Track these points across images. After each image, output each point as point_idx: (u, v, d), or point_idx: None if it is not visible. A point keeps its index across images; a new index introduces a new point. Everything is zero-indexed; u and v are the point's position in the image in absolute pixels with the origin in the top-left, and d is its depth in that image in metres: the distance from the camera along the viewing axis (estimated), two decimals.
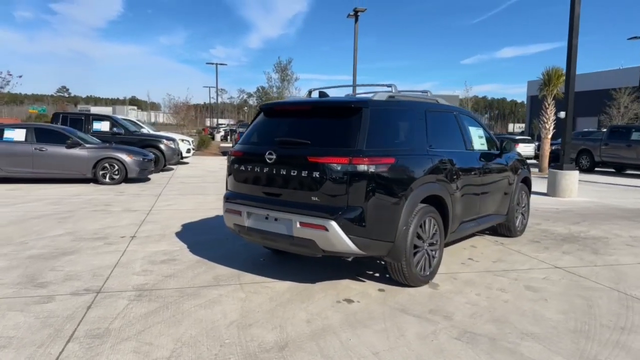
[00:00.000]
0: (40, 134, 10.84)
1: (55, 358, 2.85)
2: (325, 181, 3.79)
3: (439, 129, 4.83)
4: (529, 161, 8.65)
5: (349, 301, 3.93)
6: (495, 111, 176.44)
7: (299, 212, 3.89)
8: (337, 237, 3.72)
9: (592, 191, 12.00)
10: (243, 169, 4.34)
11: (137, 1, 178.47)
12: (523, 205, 6.51)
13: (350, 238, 3.74)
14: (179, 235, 6.09)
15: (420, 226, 4.24)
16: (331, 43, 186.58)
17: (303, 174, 3.88)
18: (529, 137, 29.72)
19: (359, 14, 23.41)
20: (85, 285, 4.15)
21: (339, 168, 3.74)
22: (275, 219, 4.03)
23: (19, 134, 10.63)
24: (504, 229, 6.30)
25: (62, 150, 10.70)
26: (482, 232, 6.62)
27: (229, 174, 4.57)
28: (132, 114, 67.81)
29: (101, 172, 10.97)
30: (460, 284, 4.44)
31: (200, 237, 5.94)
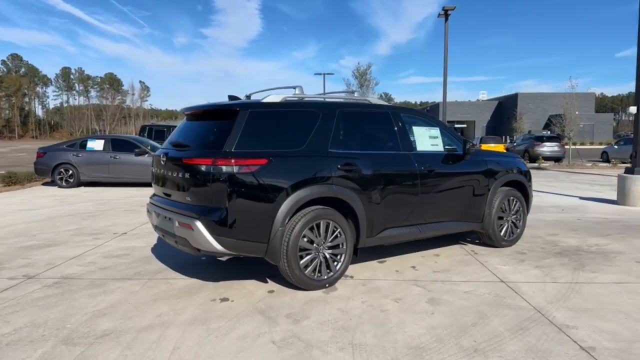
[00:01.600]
0: (116, 144, 12.44)
1: None
2: (195, 182, 3.94)
3: (356, 131, 4.65)
4: None
5: (224, 300, 4.00)
6: None
7: (178, 212, 4.09)
8: (201, 236, 3.84)
9: None
10: (153, 170, 4.67)
11: (274, 20, 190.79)
12: (513, 212, 5.82)
13: (214, 238, 3.83)
14: None
15: (311, 229, 4.14)
16: (463, 44, 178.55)
17: (180, 175, 4.07)
18: None
19: (449, 12, 22.53)
20: (29, 271, 4.82)
21: (203, 169, 3.86)
22: (169, 219, 4.26)
23: (98, 144, 12.33)
24: (486, 237, 5.72)
25: (131, 158, 12.14)
26: (469, 240, 6.08)
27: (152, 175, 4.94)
28: None
29: None
30: (360, 290, 4.22)
31: None
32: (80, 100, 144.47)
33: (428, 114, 5.58)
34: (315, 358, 2.96)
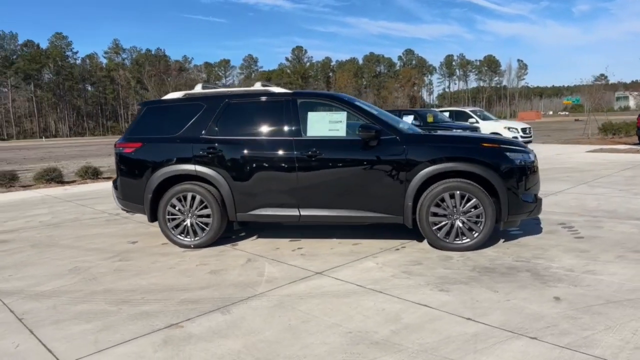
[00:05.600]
0: None
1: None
2: None
3: (239, 119, 5.23)
4: None
5: (134, 242, 5.67)
6: None
7: None
8: (113, 197, 5.65)
9: None
10: None
11: None
12: (463, 210, 4.76)
13: (116, 198, 5.58)
14: None
15: (179, 199, 5.24)
16: None
17: None
18: None
19: None
20: None
21: (114, 150, 5.61)
22: None
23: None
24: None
25: None
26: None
27: None
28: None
29: None
30: (205, 254, 4.99)
31: None
32: (460, 85, 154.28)
33: (340, 97, 5.28)
34: (64, 275, 4.39)
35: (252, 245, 5.34)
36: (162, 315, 3.47)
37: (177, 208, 5.24)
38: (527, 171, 4.87)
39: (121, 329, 3.24)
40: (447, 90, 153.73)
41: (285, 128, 5.09)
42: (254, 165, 5.07)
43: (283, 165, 5.01)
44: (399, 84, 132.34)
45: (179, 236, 5.28)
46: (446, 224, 4.80)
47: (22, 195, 10.10)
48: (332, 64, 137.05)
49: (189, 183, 5.21)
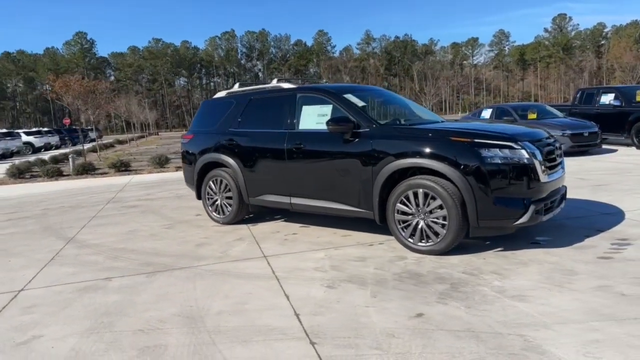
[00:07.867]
0: (500, 113, 13.40)
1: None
2: None
3: (255, 113, 5.85)
4: None
5: (197, 215, 6.96)
6: None
7: None
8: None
9: None
10: None
11: None
12: (427, 210, 4.39)
13: (185, 179, 6.94)
14: None
15: (214, 182, 6.26)
16: None
17: None
18: None
19: None
20: None
21: None
22: None
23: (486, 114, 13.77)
24: None
25: None
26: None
27: None
28: None
29: None
30: (217, 230, 5.91)
31: None
32: None
33: (328, 90, 5.23)
34: (119, 235, 5.94)
35: (264, 227, 5.96)
36: (116, 270, 4.52)
37: (213, 190, 6.26)
38: (511, 171, 4.13)
39: (81, 276, 4.42)
40: None
41: (284, 121, 5.49)
42: (258, 155, 5.65)
43: (277, 156, 5.45)
44: None
45: (213, 213, 6.30)
46: (409, 224, 4.50)
47: None
48: (605, 30, 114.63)
49: (219, 169, 6.15)
